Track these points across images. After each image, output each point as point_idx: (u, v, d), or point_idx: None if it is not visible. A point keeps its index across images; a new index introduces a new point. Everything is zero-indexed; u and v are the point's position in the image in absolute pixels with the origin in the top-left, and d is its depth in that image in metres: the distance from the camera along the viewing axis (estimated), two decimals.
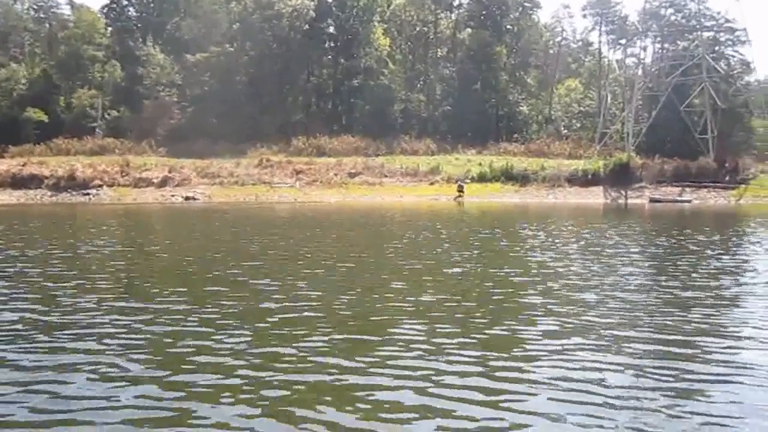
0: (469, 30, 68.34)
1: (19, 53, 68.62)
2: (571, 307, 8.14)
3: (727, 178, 45.29)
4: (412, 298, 8.70)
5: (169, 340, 6.57)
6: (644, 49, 69.84)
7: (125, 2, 68.63)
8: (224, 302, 8.36)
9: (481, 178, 47.00)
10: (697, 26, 60.50)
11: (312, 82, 67.53)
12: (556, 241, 17.29)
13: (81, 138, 54.25)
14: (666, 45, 65.76)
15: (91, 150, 52.58)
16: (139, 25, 68.21)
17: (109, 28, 68.08)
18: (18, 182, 44.18)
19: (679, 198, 42.48)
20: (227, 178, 46.78)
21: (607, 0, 71.08)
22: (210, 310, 7.92)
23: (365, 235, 20.18)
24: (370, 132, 57.94)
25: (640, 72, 63.04)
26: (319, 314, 7.72)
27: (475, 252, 14.85)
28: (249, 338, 6.64)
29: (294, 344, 6.37)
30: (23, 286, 9.84)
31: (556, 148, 56.34)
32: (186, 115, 60.56)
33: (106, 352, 6.12)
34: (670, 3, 63.71)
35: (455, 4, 71.86)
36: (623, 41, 69.49)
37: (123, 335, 6.75)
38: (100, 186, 44.18)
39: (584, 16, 74.85)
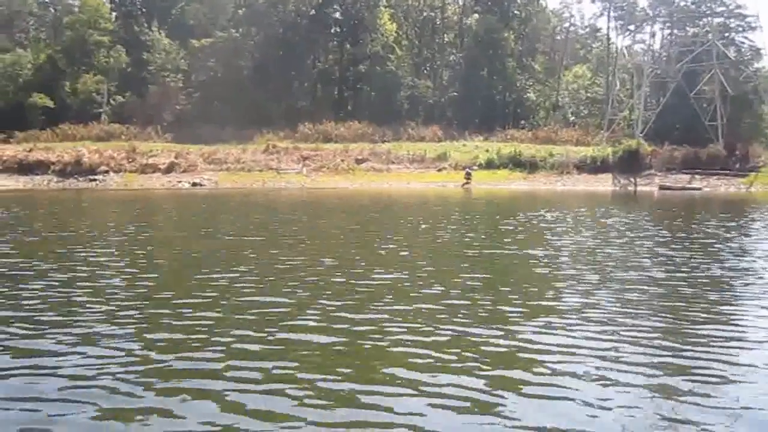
0: (476, 15, 67.66)
1: (24, 39, 68.38)
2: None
3: (737, 166, 44.81)
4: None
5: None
6: (653, 35, 69.07)
7: None
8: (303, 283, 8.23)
9: (489, 165, 46.69)
10: (708, 12, 59.82)
11: (318, 67, 67.11)
12: (583, 230, 17.11)
13: (87, 124, 54.02)
14: (675, 31, 65.06)
15: (97, 136, 52.38)
16: (144, 10, 67.75)
17: (114, 13, 67.59)
18: (24, 168, 44.04)
19: (689, 185, 42.11)
20: (234, 165, 46.58)
21: None
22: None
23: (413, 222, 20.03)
24: (377, 118, 57.57)
25: (648, 58, 62.36)
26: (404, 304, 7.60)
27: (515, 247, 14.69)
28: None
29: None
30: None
31: (563, 135, 55.89)
32: (192, 100, 60.32)
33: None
34: None
35: None
36: (632, 27, 68.66)
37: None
38: (107, 172, 44.04)
39: (593, 1, 74.79)
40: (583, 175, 44.67)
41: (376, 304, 7.52)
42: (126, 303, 7.57)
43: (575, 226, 17.51)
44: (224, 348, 5.80)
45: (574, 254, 11.89)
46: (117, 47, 60.99)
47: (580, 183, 43.22)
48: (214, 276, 9.26)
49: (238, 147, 50.17)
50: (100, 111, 57.05)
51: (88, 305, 7.46)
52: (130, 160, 45.73)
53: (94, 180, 42.91)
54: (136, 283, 8.81)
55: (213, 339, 6.08)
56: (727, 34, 59.85)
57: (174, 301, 7.64)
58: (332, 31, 67.99)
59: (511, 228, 16.99)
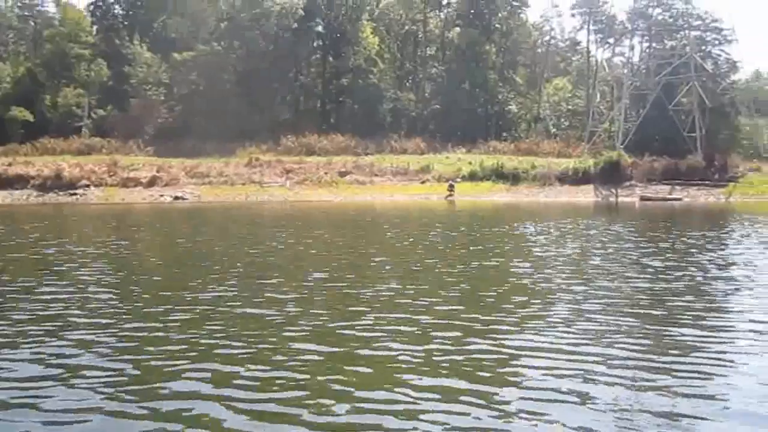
0: (457, 29, 68.37)
1: (4, 52, 67.75)
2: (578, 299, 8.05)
3: (716, 177, 45.45)
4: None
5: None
6: (632, 48, 70.12)
7: (111, 0, 67.91)
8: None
9: (472, 177, 46.93)
10: (685, 25, 60.83)
11: (300, 80, 67.25)
12: (568, 242, 17.21)
13: (67, 137, 53.62)
14: (654, 44, 66.07)
15: (78, 149, 51.96)
16: (125, 23, 67.51)
17: (95, 27, 67.39)
18: (3, 183, 43.41)
19: (669, 196, 42.58)
20: (216, 178, 46.37)
21: None
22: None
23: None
24: (359, 131, 57.72)
25: (626, 71, 63.23)
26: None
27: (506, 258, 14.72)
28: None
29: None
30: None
31: (545, 146, 56.45)
32: (173, 114, 60.12)
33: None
34: (658, 2, 64.00)
35: (444, 3, 71.92)
36: (611, 40, 69.69)
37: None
38: (88, 186, 43.63)
39: (573, 15, 74.91)
40: (566, 187, 45.03)
41: (367, 316, 7.50)
42: (113, 319, 7.47)
43: (560, 238, 17.61)
44: (216, 363, 5.75)
45: (561, 265, 11.95)
46: (98, 60, 60.70)
47: (562, 194, 43.53)
48: (203, 290, 9.18)
49: (220, 160, 50.01)
50: (80, 125, 56.66)
51: (74, 323, 7.35)
52: (112, 173, 45.35)
53: (75, 194, 42.47)
54: (124, 300, 8.70)
55: (204, 354, 6.02)
56: (704, 47, 60.91)
57: (163, 317, 7.55)
58: (315, 44, 68.26)
59: (498, 240, 17.05)
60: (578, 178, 45.71)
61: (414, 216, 28.35)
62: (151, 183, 44.75)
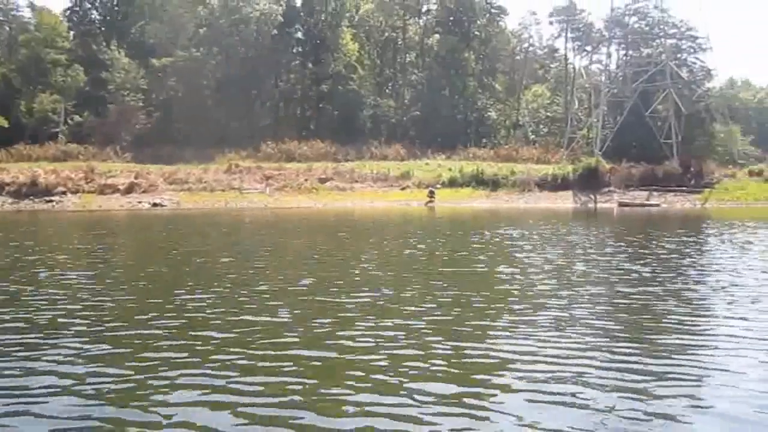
0: (437, 36, 68.74)
1: None
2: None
3: (692, 183, 46.11)
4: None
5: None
6: (609, 56, 71.00)
7: (88, 5, 67.29)
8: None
9: (452, 183, 47.10)
10: (661, 34, 61.72)
11: (280, 87, 67.09)
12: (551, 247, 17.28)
13: (43, 144, 52.89)
14: (630, 52, 66.95)
15: (54, 156, 51.25)
16: (102, 28, 66.76)
17: (72, 32, 66.56)
18: None
19: (647, 202, 43.06)
20: (195, 184, 45.98)
21: (573, 7, 72.06)
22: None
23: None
24: (339, 137, 57.72)
25: (604, 78, 64.00)
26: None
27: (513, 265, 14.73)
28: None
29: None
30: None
31: (524, 153, 56.87)
32: (152, 120, 59.58)
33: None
34: (634, 11, 64.94)
35: (423, 10, 72.29)
36: (589, 48, 70.56)
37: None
38: (64, 193, 43.03)
39: (551, 23, 75.68)
40: (545, 193, 45.37)
41: (356, 323, 7.47)
42: (102, 327, 7.35)
43: (541, 244, 17.71)
44: (208, 370, 5.71)
45: (543, 271, 12.01)
46: (75, 66, 59.93)
47: (541, 200, 43.83)
48: (189, 298, 9.08)
49: (199, 167, 49.65)
50: (57, 131, 55.86)
51: (60, 330, 7.22)
52: (89, 180, 44.79)
53: (51, 201, 41.87)
54: (111, 307, 8.57)
55: (194, 361, 5.96)
56: (679, 55, 61.88)
57: (151, 324, 7.45)
58: (294, 50, 68.16)
59: (479, 246, 17.09)
60: (557, 185, 46.10)
61: (395, 222, 28.36)
62: (129, 190, 44.23)
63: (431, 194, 43.40)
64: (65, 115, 57.07)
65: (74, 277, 11.45)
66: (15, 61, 62.64)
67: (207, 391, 5.23)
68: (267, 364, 5.97)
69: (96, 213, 36.39)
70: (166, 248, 17.20)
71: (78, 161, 49.73)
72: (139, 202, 42.00)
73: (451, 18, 67.18)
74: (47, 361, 6.05)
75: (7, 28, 70.15)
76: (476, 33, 68.75)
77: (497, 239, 19.06)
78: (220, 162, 51.62)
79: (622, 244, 17.75)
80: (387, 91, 69.81)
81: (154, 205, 41.38)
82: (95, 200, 42.26)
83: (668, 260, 13.51)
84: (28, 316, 7.97)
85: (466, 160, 53.74)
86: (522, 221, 27.66)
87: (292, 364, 5.94)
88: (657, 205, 42.49)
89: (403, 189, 46.99)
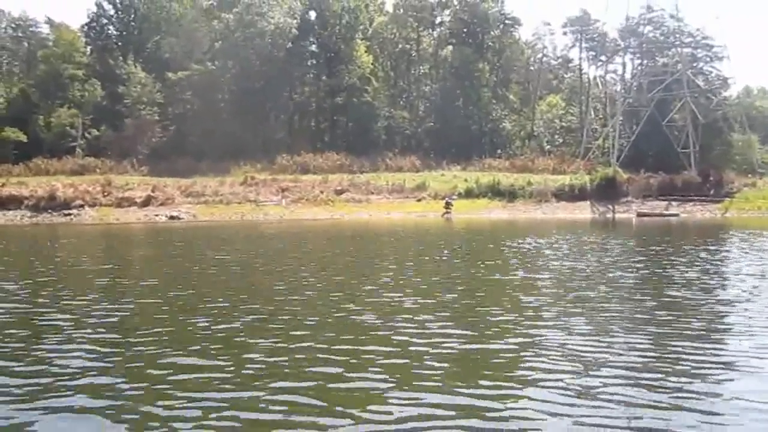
0: (450, 47, 68.79)
1: None
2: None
3: (711, 192, 45.61)
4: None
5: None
6: (624, 65, 70.76)
7: (105, 21, 68.00)
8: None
9: (468, 194, 46.93)
10: (676, 43, 61.38)
11: (295, 99, 67.35)
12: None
13: (61, 158, 53.43)
14: (645, 61, 66.63)
15: (72, 170, 51.74)
16: (119, 43, 67.57)
17: (89, 47, 67.45)
18: None
19: (666, 212, 42.63)
20: (212, 197, 46.16)
21: (587, 17, 71.88)
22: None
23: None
24: (354, 149, 57.83)
25: (619, 88, 63.71)
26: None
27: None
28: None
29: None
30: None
31: (540, 163, 56.61)
32: (168, 133, 60.04)
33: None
34: (649, 20, 64.67)
35: (437, 21, 72.37)
36: (603, 58, 70.26)
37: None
38: (82, 206, 43.33)
39: (565, 33, 75.37)
40: (562, 203, 45.06)
41: (380, 329, 7.32)
42: (120, 335, 7.25)
43: (573, 252, 17.49)
44: (233, 372, 5.58)
45: (570, 279, 11.85)
46: (92, 81, 60.64)
47: (559, 211, 43.52)
48: (219, 311, 8.97)
49: (215, 179, 49.86)
50: (74, 145, 56.39)
51: (74, 344, 7.12)
52: (106, 193, 45.10)
53: (69, 215, 42.15)
54: (133, 318, 8.48)
55: (222, 366, 5.82)
56: (695, 64, 61.46)
57: (179, 326, 7.34)
58: (309, 63, 68.52)
59: (508, 255, 16.93)
60: (574, 195, 45.79)
61: (414, 233, 28.17)
62: (146, 203, 44.49)
63: (448, 205, 43.17)
64: (83, 129, 57.61)
65: (97, 288, 11.38)
66: (33, 76, 63.50)
67: (220, 400, 5.10)
68: (286, 373, 5.83)
69: (114, 226, 36.47)
70: (187, 262, 17.13)
71: (95, 175, 50.15)
72: (156, 215, 42.17)
73: (465, 29, 67.29)
74: (53, 372, 5.91)
75: (26, 44, 71.20)
76: (490, 44, 68.81)
77: (526, 248, 18.87)
78: (235, 174, 51.82)
79: (652, 251, 17.51)
80: (401, 102, 69.86)
81: (171, 218, 41.52)
82: (112, 213, 42.50)
83: (697, 268, 13.28)
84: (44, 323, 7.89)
85: (482, 170, 53.59)
86: (544, 231, 27.40)
87: (321, 365, 5.82)
88: (676, 215, 42.03)
89: (418, 200, 46.88)
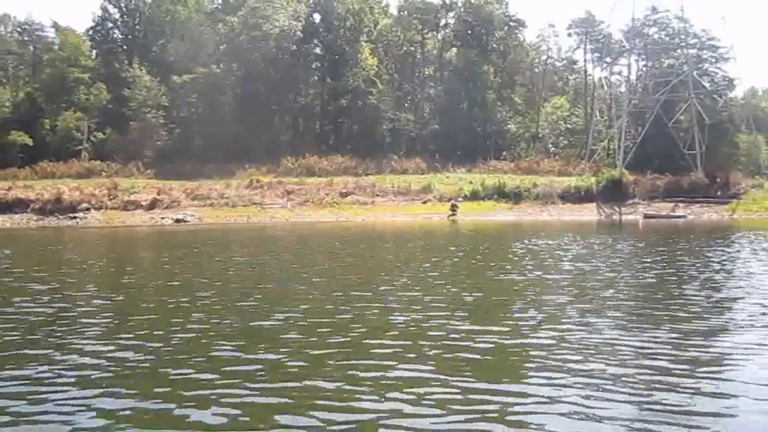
0: (455, 49, 68.81)
1: (3, 76, 67.83)
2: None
3: (718, 193, 45.45)
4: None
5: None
6: (629, 67, 70.58)
7: (110, 24, 68.23)
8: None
9: (474, 196, 46.82)
10: (682, 44, 61.22)
11: (300, 102, 67.42)
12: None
13: (67, 161, 53.50)
14: (650, 62, 66.48)
15: (78, 173, 51.80)
16: (124, 47, 67.75)
17: (95, 51, 67.68)
18: (3, 207, 43.11)
19: (673, 214, 42.47)
20: (217, 200, 46.14)
21: (592, 19, 71.76)
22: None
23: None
24: (359, 151, 57.82)
25: (624, 89, 63.54)
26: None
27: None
28: None
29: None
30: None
31: (545, 165, 56.45)
32: (173, 136, 60.14)
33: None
34: (654, 21, 64.54)
35: (441, 24, 72.31)
36: (608, 59, 70.08)
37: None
38: (88, 209, 43.30)
39: (569, 34, 75.24)
40: (568, 205, 44.93)
41: (410, 326, 7.29)
42: (127, 341, 7.23)
43: (585, 253, 17.44)
44: (238, 380, 5.57)
45: (586, 279, 11.85)
46: (97, 84, 60.82)
47: (565, 213, 43.41)
48: (222, 314, 8.95)
49: (221, 182, 49.86)
50: (80, 148, 56.53)
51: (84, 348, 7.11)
52: (112, 197, 45.08)
53: (75, 218, 42.11)
54: (143, 324, 8.46)
55: (226, 372, 5.80)
56: (701, 65, 61.29)
57: (186, 335, 7.32)
58: (314, 66, 68.58)
59: (520, 256, 16.91)
60: (580, 196, 45.67)
61: (421, 235, 28.14)
62: (152, 206, 44.49)
63: (453, 207, 42.99)
64: (88, 133, 57.75)
65: (105, 290, 11.36)
66: (39, 80, 63.75)
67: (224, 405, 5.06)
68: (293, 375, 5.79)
69: (120, 229, 36.47)
70: (198, 266, 17.12)
71: (101, 178, 50.21)
72: (162, 218, 42.15)
73: (469, 31, 67.24)
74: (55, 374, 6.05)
75: (32, 48, 71.48)
76: (494, 46, 68.72)
77: (536, 249, 18.83)
78: (240, 177, 51.84)
79: (663, 252, 17.46)
80: (406, 105, 69.85)
81: (177, 221, 41.48)
82: (118, 216, 42.47)
83: (719, 267, 13.31)
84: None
85: (487, 173, 53.46)
86: (551, 233, 27.34)
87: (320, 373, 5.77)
88: (683, 216, 41.87)
89: (424, 202, 46.81)
